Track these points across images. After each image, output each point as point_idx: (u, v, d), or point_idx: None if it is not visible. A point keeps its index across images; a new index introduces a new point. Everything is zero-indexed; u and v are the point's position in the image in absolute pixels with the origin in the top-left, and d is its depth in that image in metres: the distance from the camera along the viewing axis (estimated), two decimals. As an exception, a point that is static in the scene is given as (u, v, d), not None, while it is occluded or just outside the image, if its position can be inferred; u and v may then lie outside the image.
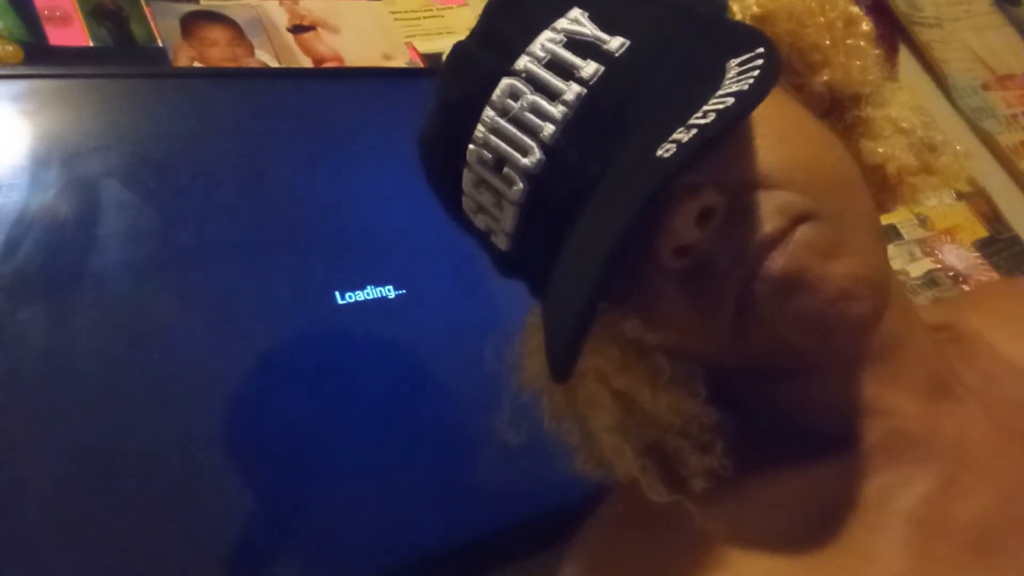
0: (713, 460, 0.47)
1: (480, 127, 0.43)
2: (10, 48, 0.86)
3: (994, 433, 0.48)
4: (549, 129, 0.41)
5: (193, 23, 0.99)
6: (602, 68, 0.41)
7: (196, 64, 0.95)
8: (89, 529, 0.63)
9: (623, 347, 0.46)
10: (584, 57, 0.41)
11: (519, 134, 0.42)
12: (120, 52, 0.93)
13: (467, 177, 0.45)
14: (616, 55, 0.41)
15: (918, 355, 0.49)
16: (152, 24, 0.96)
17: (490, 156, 0.43)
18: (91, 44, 0.91)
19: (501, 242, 0.46)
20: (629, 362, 0.47)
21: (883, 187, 0.51)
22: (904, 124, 0.51)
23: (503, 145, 0.42)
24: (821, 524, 0.45)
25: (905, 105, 0.52)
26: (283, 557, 0.70)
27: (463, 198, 0.47)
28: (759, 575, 0.44)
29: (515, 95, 0.42)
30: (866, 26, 0.50)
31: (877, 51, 0.51)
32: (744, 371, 0.48)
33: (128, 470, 0.65)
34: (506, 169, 0.42)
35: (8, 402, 0.64)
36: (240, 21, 1.02)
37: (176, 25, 0.97)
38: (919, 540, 0.43)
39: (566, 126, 0.41)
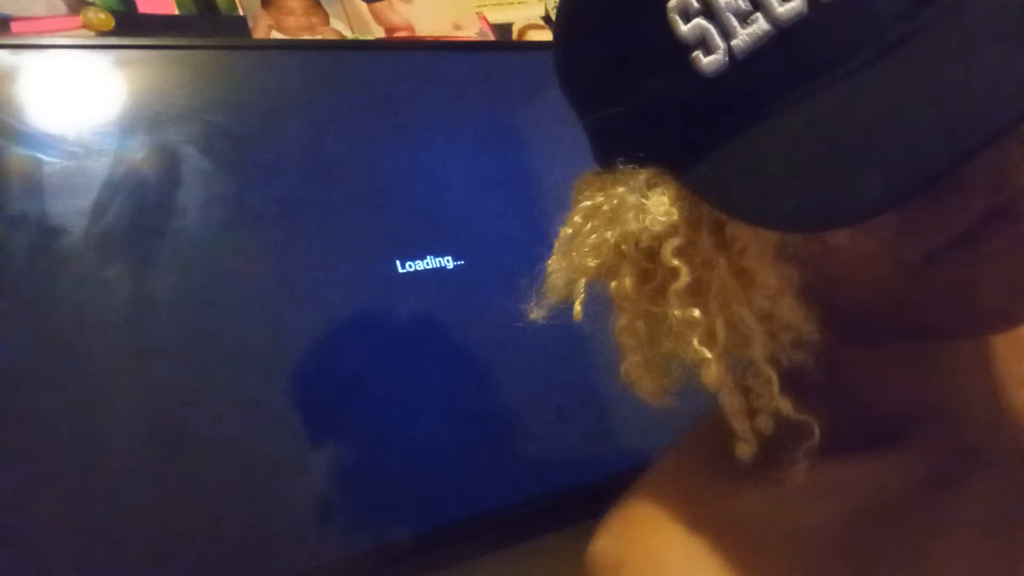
0: (764, 419, 0.44)
1: None
2: (102, 16, 0.91)
3: None
4: None
5: (272, -8, 1.02)
6: None
7: (274, 32, 0.99)
8: (162, 477, 0.69)
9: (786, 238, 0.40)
10: None
11: None
12: (204, 20, 0.97)
13: None
14: None
15: (995, 360, 0.48)
16: (234, -7, 1.00)
17: None
18: (177, 12, 0.96)
19: (712, 60, 0.38)
20: (779, 256, 0.41)
21: None
22: None
23: None
24: (868, 518, 0.45)
25: None
26: (343, 511, 0.75)
27: None
28: (795, 565, 0.44)
29: None
30: None
31: None
32: (873, 320, 0.44)
33: (198, 424, 0.70)
34: None
35: (95, 352, 0.69)
36: (317, -10, 1.05)
37: (256, -6, 1.01)
38: (971, 545, 0.43)
39: None
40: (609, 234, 0.43)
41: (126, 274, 0.73)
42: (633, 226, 0.41)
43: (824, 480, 0.46)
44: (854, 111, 0.35)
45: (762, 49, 0.36)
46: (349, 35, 1.03)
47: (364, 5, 1.06)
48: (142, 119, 0.79)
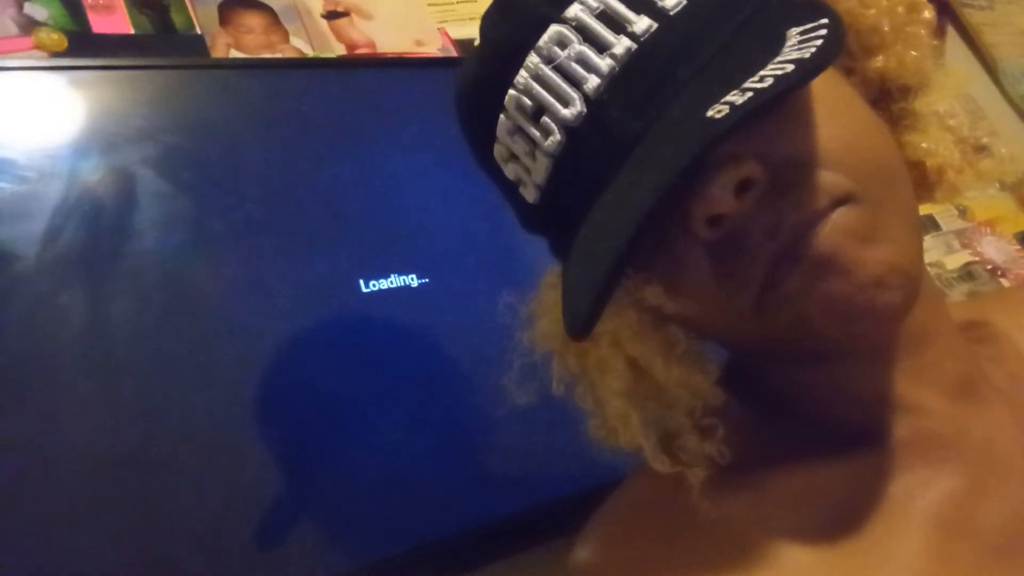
0: (712, 447, 0.47)
1: (522, 73, 0.42)
2: (55, 36, 0.89)
3: (1021, 437, 0.48)
4: (593, 82, 0.40)
5: (230, 10, 1.01)
6: (655, 25, 0.39)
7: (233, 51, 0.98)
8: (125, 503, 0.67)
9: (641, 314, 0.46)
10: (638, 12, 0.40)
11: (562, 84, 0.41)
12: (160, 40, 0.96)
13: (503, 123, 0.44)
14: (671, 13, 0.40)
15: (947, 353, 0.49)
16: (191, 12, 0.99)
17: (529, 104, 0.42)
18: (132, 32, 0.94)
19: (529, 194, 0.45)
20: (645, 330, 0.46)
21: (922, 183, 0.50)
22: (951, 121, 0.51)
23: (544, 94, 0.41)
24: (842, 520, 0.45)
25: (953, 98, 0.50)
26: (308, 535, 0.73)
27: (495, 145, 0.46)
28: (773, 567, 0.45)
29: (562, 43, 0.41)
30: (927, 14, 0.49)
31: (934, 42, 0.49)
32: (764, 352, 0.48)
33: (158, 448, 0.68)
34: (544, 118, 0.41)
35: (48, 382, 0.67)
36: (276, 8, 1.04)
37: (214, 12, 1.00)
38: (941, 541, 0.44)
39: (612, 80, 0.40)
40: (543, 326, 0.50)
41: (82, 301, 0.71)
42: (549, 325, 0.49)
43: (801, 484, 0.47)
44: (591, 224, 0.41)
45: (551, 178, 0.43)
46: (310, 53, 1.02)
47: (324, 22, 1.06)
48: (98, 141, 0.77)
